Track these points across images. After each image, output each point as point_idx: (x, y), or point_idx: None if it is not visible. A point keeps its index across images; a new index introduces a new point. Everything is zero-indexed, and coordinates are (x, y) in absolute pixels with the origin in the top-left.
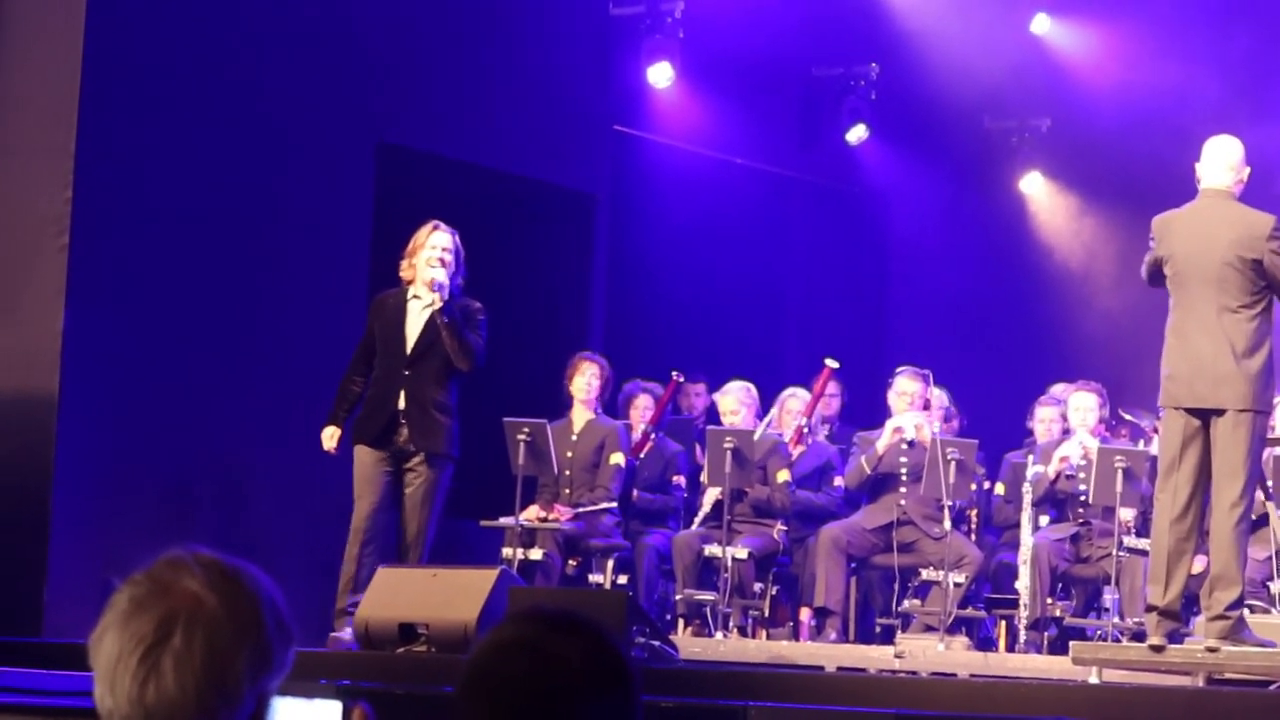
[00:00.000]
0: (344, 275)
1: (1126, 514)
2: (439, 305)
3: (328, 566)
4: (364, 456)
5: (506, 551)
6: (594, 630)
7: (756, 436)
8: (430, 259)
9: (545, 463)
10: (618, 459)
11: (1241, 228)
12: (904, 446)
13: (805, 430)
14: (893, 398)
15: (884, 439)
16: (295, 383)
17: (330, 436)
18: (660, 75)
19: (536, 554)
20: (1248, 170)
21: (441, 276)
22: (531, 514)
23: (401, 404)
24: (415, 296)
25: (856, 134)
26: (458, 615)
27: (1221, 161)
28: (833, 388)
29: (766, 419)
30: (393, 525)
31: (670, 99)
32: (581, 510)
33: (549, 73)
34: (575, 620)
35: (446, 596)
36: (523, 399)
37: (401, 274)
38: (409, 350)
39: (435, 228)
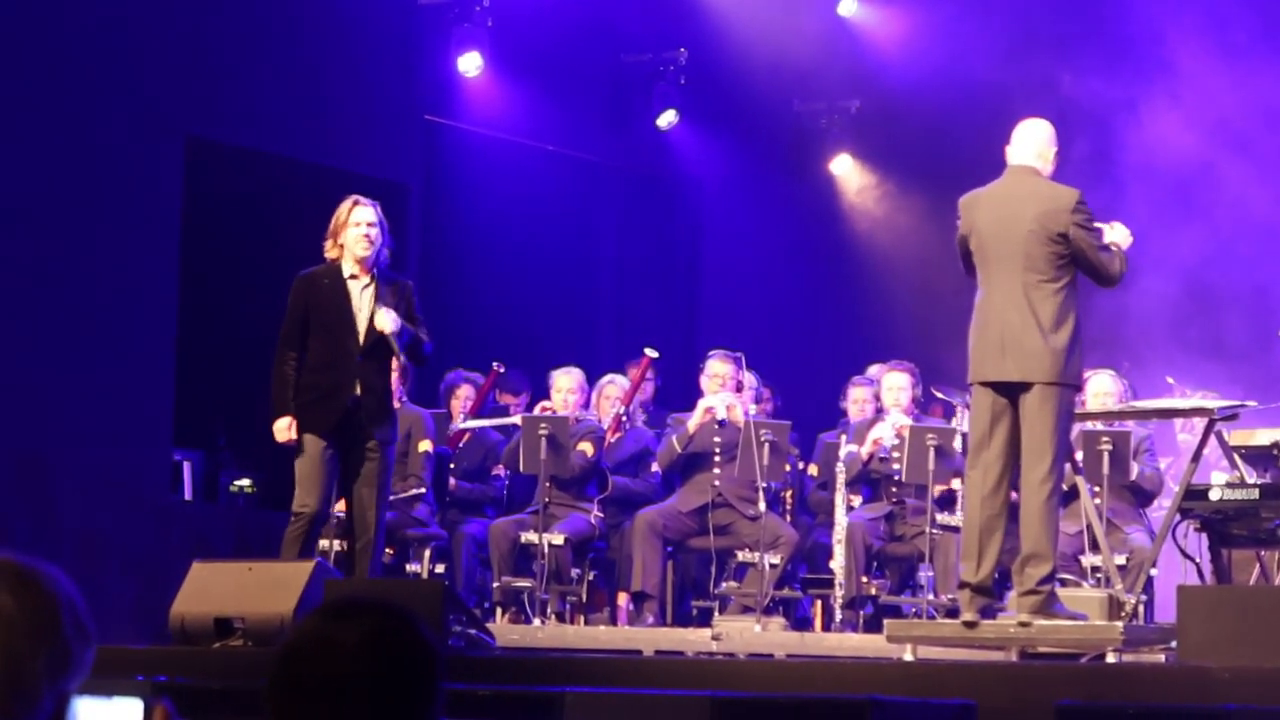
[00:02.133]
0: (153, 269)
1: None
2: (391, 335)
3: (140, 564)
4: (314, 448)
5: (322, 543)
6: (387, 616)
7: (572, 422)
8: (358, 235)
9: None
10: (425, 446)
11: (1046, 201)
12: (716, 426)
13: (624, 418)
14: (705, 380)
15: (695, 419)
16: (105, 379)
17: (289, 427)
18: (470, 64)
19: None
20: (1054, 150)
21: (390, 326)
22: (344, 505)
23: (358, 391)
24: (352, 277)
25: (666, 119)
26: (273, 609)
27: (1029, 141)
28: (648, 375)
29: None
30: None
31: (480, 87)
32: (393, 498)
33: (357, 63)
34: (368, 608)
35: (262, 590)
36: None
37: (326, 254)
38: (361, 338)
39: (356, 203)
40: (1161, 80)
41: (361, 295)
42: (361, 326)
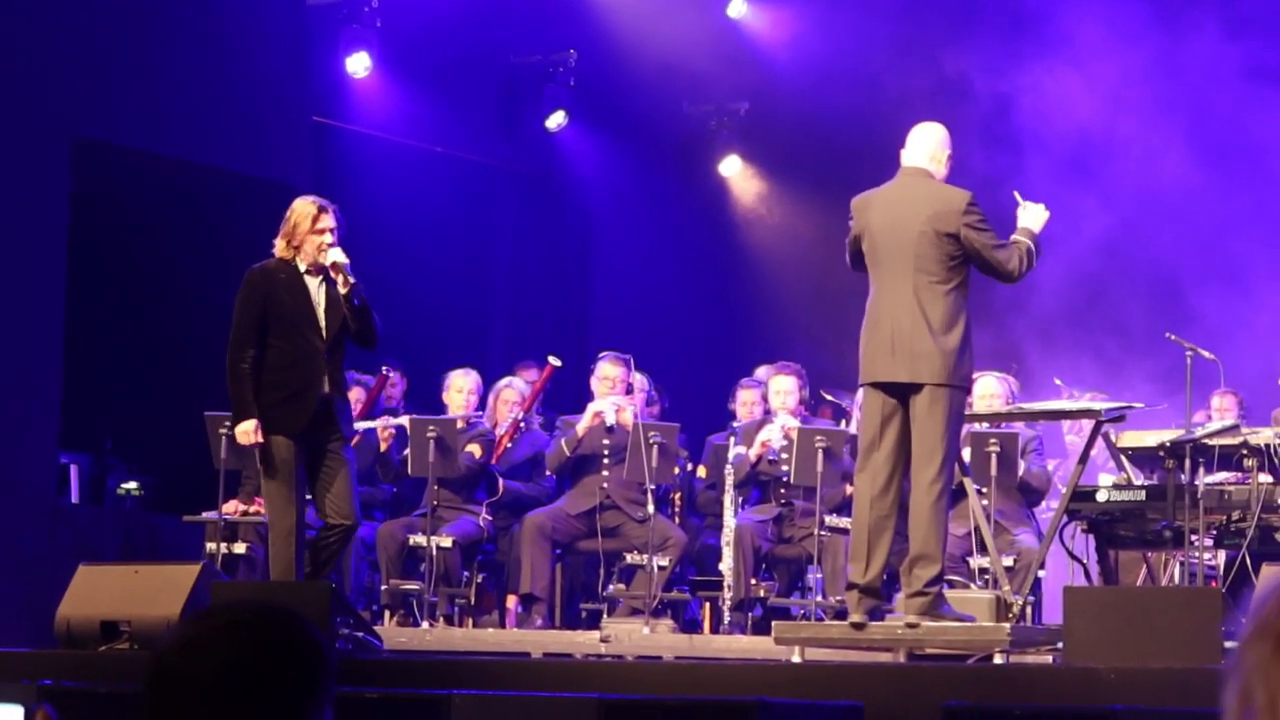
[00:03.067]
0: (40, 271)
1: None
2: (348, 289)
3: (26, 567)
4: (284, 451)
5: (210, 546)
6: (270, 616)
7: (459, 425)
8: (323, 243)
9: (246, 456)
10: None
11: (938, 203)
12: (604, 430)
13: (521, 423)
14: (595, 382)
15: (584, 422)
16: None
17: (256, 429)
18: (358, 65)
19: (240, 548)
20: (947, 154)
21: (343, 259)
22: (232, 508)
23: (326, 389)
24: (308, 273)
25: (556, 121)
26: (160, 611)
27: (923, 143)
28: (533, 373)
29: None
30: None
31: (370, 88)
32: None
33: (246, 64)
34: (250, 608)
35: (148, 593)
36: (224, 392)
37: (277, 252)
38: (324, 334)
39: (322, 210)
40: (1052, 63)
41: (319, 291)
42: (324, 323)
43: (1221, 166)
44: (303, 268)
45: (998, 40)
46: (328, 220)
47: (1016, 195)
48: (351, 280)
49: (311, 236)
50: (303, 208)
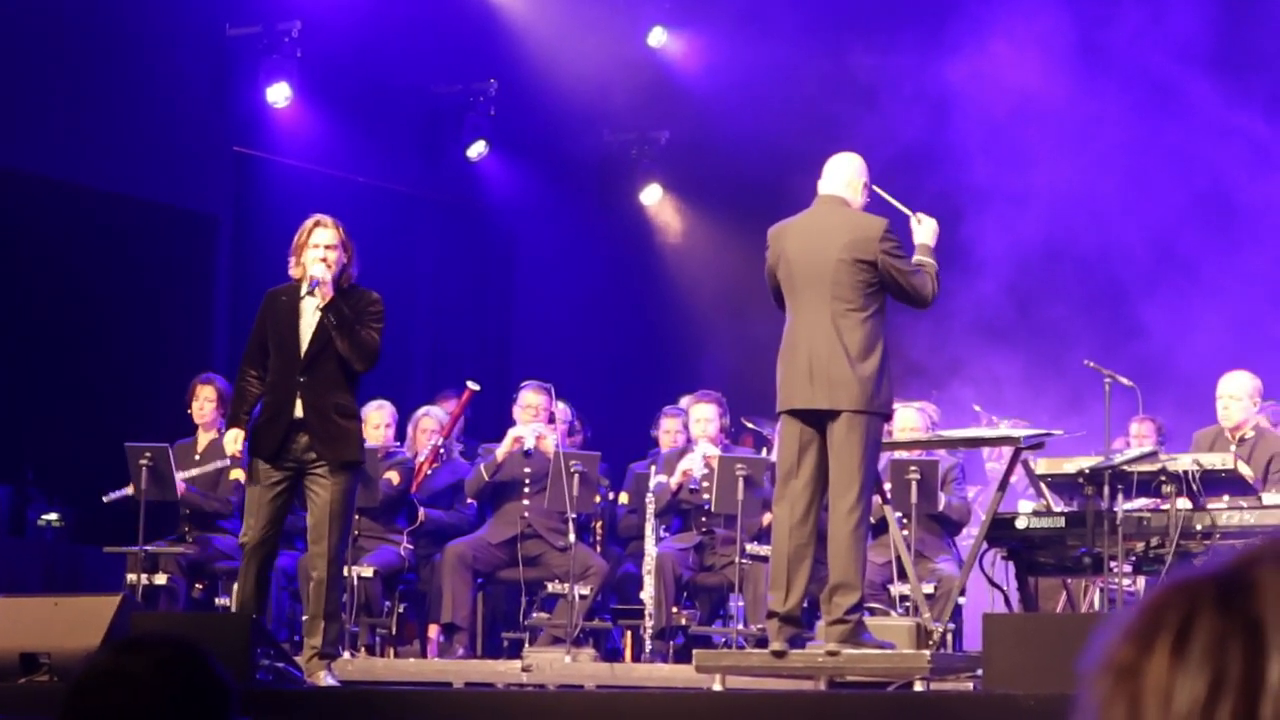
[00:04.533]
0: None
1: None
2: (323, 304)
3: None
4: (258, 474)
5: (130, 577)
6: (177, 649)
7: (380, 455)
8: (314, 259)
9: (168, 486)
10: (237, 474)
11: (855, 230)
12: (524, 456)
13: (441, 450)
14: (517, 411)
15: (503, 447)
16: None
17: (235, 440)
18: (279, 95)
19: (161, 579)
20: (863, 182)
21: (322, 273)
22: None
23: (299, 413)
24: (309, 294)
25: (477, 150)
26: (80, 643)
27: (839, 173)
28: (454, 403)
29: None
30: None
31: (290, 118)
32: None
33: (165, 93)
34: (158, 641)
35: (68, 624)
36: (145, 423)
37: (290, 272)
38: (303, 354)
39: (317, 223)
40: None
41: (313, 314)
42: (305, 343)
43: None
44: (304, 289)
45: (916, 63)
46: (320, 235)
47: (907, 209)
48: (330, 295)
49: (307, 251)
50: (304, 224)
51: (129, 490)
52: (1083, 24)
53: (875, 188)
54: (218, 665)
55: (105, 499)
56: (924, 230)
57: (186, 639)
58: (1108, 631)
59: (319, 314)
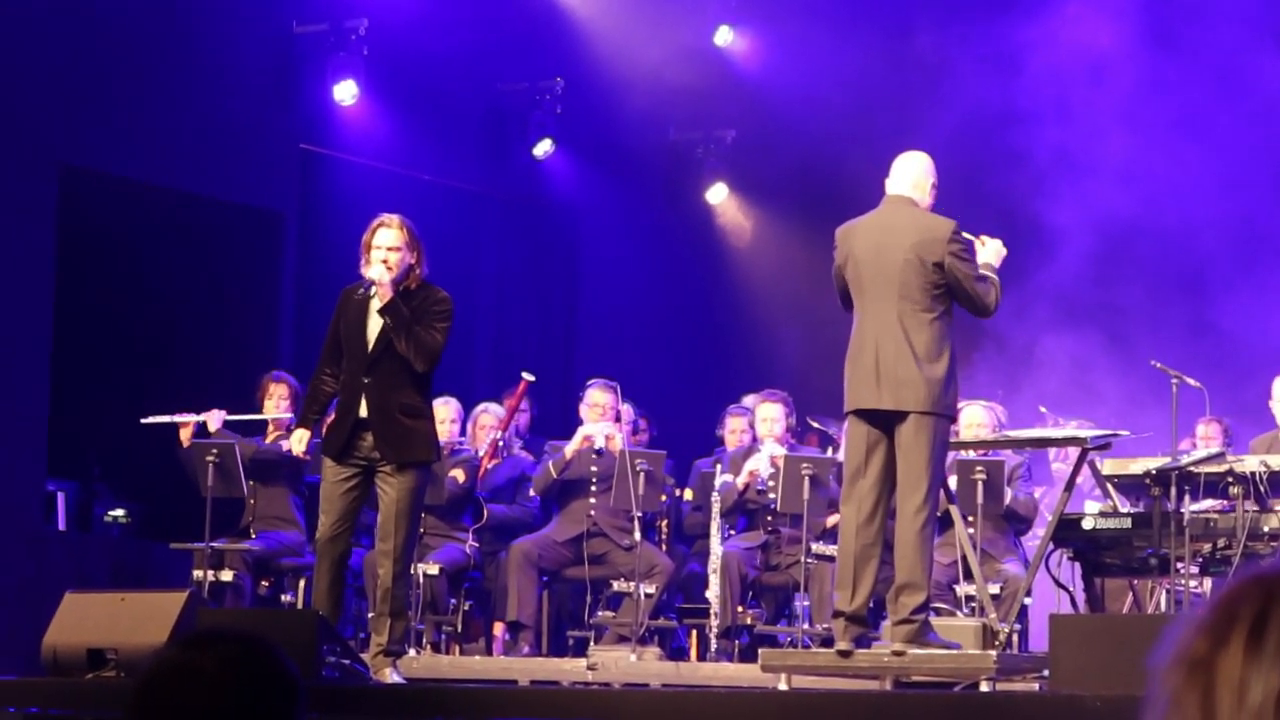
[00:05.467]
0: (28, 299)
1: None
2: (382, 305)
3: (13, 595)
4: (327, 472)
5: (197, 573)
6: (261, 649)
7: (446, 452)
8: (375, 260)
9: (235, 483)
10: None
11: (922, 231)
12: (593, 454)
13: (500, 444)
14: (585, 410)
15: (573, 445)
16: None
17: (300, 440)
18: (345, 93)
19: (227, 575)
20: (932, 182)
21: (379, 275)
22: None
23: (363, 412)
24: (371, 295)
25: (543, 148)
26: (147, 639)
27: (908, 172)
28: (522, 403)
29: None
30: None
31: (356, 116)
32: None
33: (233, 92)
34: (241, 639)
35: (135, 621)
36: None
37: (361, 271)
38: (368, 354)
39: (381, 224)
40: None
41: (378, 315)
42: (370, 343)
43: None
44: (374, 289)
45: (988, 65)
46: (382, 236)
47: (969, 235)
48: (387, 295)
49: (371, 253)
50: (371, 223)
51: (172, 418)
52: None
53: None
54: (286, 660)
55: (143, 420)
56: (988, 251)
57: (255, 634)
58: (1181, 625)
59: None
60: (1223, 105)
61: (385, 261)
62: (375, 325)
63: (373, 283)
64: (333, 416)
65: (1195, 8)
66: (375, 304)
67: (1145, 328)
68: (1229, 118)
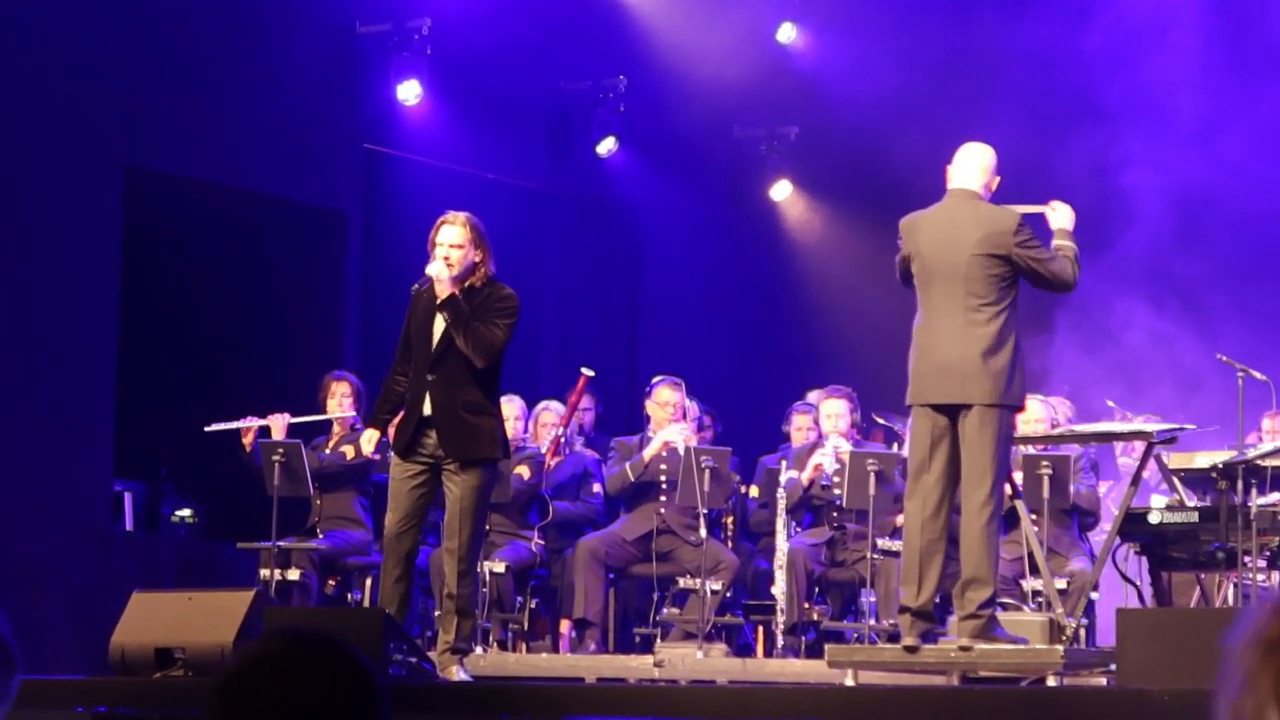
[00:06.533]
0: (93, 299)
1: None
2: (441, 300)
3: (81, 595)
4: (395, 470)
5: (264, 573)
6: (342, 648)
7: (511, 449)
8: (438, 257)
9: (301, 482)
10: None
11: (987, 225)
12: (664, 456)
13: (562, 440)
14: (653, 408)
15: (653, 449)
16: (46, 410)
17: (369, 440)
18: (409, 92)
19: (294, 574)
20: (997, 178)
21: (437, 271)
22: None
23: (428, 410)
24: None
25: (606, 146)
26: (214, 638)
27: (971, 165)
28: (586, 400)
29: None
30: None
31: (420, 115)
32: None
33: (296, 92)
34: (323, 638)
35: (202, 620)
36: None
37: (427, 270)
38: (432, 351)
39: (444, 222)
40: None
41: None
42: (435, 341)
43: None
44: (440, 288)
45: (1047, 54)
46: (445, 234)
47: (1039, 207)
48: (446, 291)
49: (435, 250)
50: (436, 222)
51: (236, 424)
52: None
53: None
54: (368, 662)
55: (207, 429)
56: (1060, 216)
57: (337, 636)
58: (1255, 607)
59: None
60: None
61: (446, 259)
62: (440, 323)
63: (426, 280)
64: (402, 415)
65: None
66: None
67: (1215, 308)
68: None
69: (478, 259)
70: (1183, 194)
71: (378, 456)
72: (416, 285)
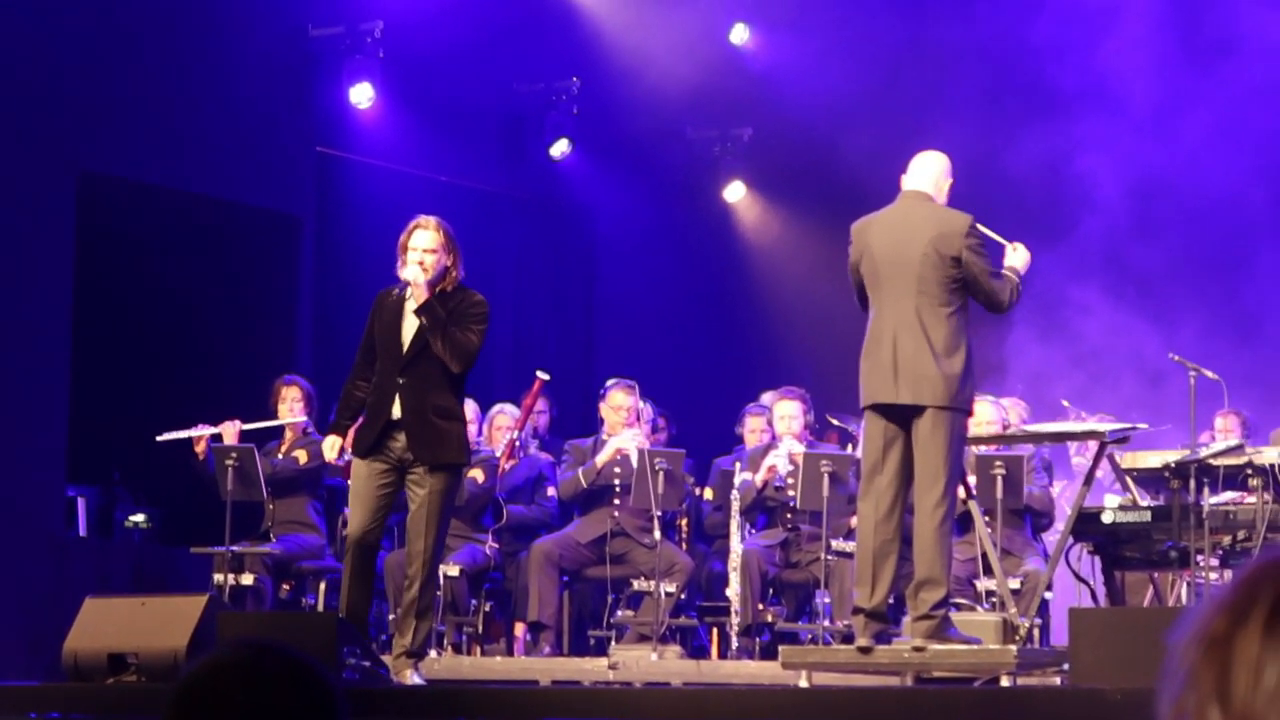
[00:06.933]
0: (46, 304)
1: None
2: (417, 305)
3: (34, 600)
4: (359, 470)
5: (217, 577)
6: (298, 655)
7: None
8: (410, 261)
9: (254, 487)
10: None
11: (940, 224)
12: (618, 460)
13: (517, 444)
14: (606, 411)
15: (604, 456)
16: (1, 415)
17: (331, 446)
18: (361, 95)
19: (248, 579)
20: (949, 182)
21: (414, 275)
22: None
23: (397, 413)
24: (410, 297)
25: (560, 148)
26: (167, 644)
27: (925, 170)
28: (540, 403)
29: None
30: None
31: (373, 118)
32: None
33: (249, 95)
34: (279, 645)
35: (155, 625)
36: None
37: (397, 273)
38: (403, 354)
39: (416, 226)
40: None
41: (413, 315)
42: (405, 344)
43: None
44: (407, 292)
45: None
46: (418, 238)
47: (1002, 239)
48: (423, 296)
49: (407, 254)
50: (407, 227)
51: (188, 433)
52: None
53: (979, 225)
54: (328, 674)
55: (159, 439)
56: (1017, 257)
57: (293, 647)
58: (1201, 604)
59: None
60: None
61: (421, 263)
62: (410, 326)
63: (408, 284)
64: (364, 418)
65: None
66: (410, 305)
67: (1173, 299)
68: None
69: (449, 263)
70: (1138, 182)
71: (342, 463)
72: (396, 291)
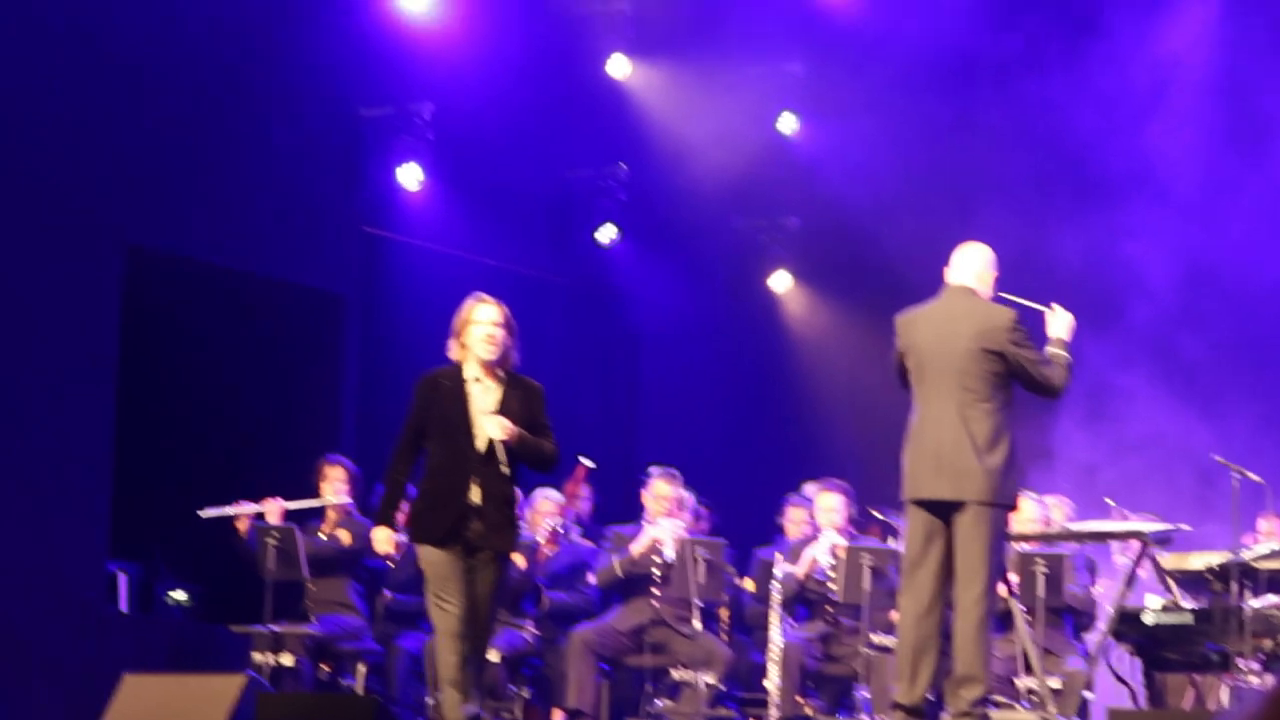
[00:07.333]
0: (91, 379)
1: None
2: (499, 443)
3: (73, 676)
4: (435, 556)
5: (257, 657)
6: None
7: None
8: (481, 336)
9: (295, 567)
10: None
11: (984, 320)
12: (658, 550)
13: (559, 530)
14: (649, 500)
15: (640, 545)
16: (42, 489)
17: (387, 540)
18: (409, 177)
19: (287, 659)
20: (994, 275)
21: (497, 433)
22: None
23: (476, 499)
24: (477, 379)
25: (607, 234)
26: None
27: (967, 263)
28: (583, 490)
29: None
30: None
31: (421, 200)
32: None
33: (298, 174)
34: None
35: (193, 704)
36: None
37: (450, 355)
38: (479, 442)
39: (479, 301)
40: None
41: (484, 396)
42: (480, 430)
43: None
44: (470, 373)
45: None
46: (485, 312)
47: (1040, 306)
48: (503, 441)
49: (470, 329)
50: (465, 303)
51: (230, 510)
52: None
53: (1005, 294)
54: None
55: (202, 515)
56: (1058, 323)
57: None
58: (1250, 700)
59: (488, 398)
60: None
61: (491, 337)
62: (482, 418)
63: (458, 366)
64: (423, 502)
65: None
66: (477, 388)
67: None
68: None
69: (510, 343)
70: (1186, 269)
71: (396, 558)
72: (447, 372)
